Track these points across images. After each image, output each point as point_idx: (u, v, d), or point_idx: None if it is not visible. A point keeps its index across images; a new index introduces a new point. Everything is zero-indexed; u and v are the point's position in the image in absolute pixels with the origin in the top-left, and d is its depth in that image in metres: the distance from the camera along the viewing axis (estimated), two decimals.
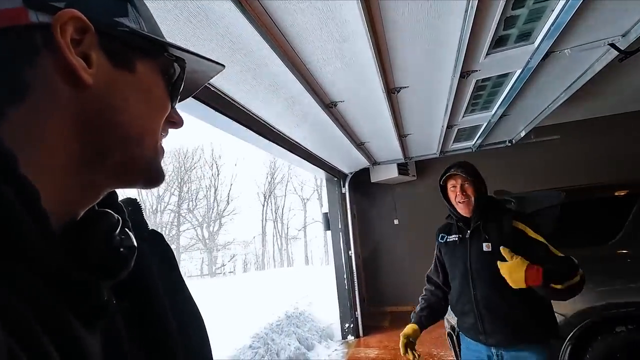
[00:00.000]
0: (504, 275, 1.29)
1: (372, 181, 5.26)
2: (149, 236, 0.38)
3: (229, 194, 23.37)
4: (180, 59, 0.34)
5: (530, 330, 1.34)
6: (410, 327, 1.54)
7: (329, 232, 4.82)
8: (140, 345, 0.30)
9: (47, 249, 0.21)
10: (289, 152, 3.13)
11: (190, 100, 1.83)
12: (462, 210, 1.46)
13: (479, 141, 4.00)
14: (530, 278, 1.23)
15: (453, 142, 4.03)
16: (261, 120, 2.46)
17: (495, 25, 1.60)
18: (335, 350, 4.10)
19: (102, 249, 0.27)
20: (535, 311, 1.34)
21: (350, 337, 4.36)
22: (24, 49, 0.24)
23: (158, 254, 0.37)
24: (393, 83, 2.16)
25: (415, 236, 5.16)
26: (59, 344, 0.20)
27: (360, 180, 5.18)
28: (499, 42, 1.81)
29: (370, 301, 5.26)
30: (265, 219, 23.80)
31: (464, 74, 2.09)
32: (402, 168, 4.99)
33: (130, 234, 0.30)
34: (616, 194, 2.38)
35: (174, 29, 1.31)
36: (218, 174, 23.53)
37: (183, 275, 0.38)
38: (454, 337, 1.58)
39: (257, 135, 2.47)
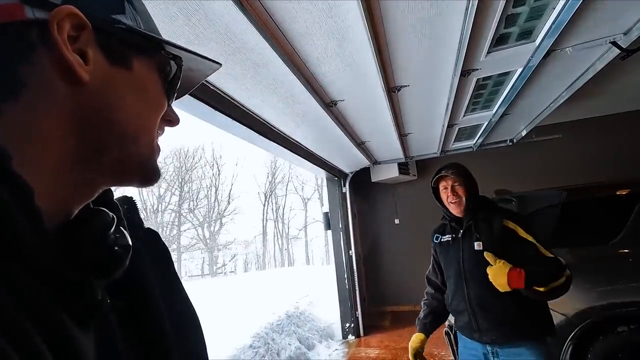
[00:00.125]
0: (491, 280, 1.32)
1: (372, 181, 5.26)
2: (145, 235, 0.38)
3: (229, 193, 23.43)
4: (177, 57, 0.34)
5: (524, 328, 1.36)
6: (417, 338, 1.58)
7: (329, 232, 4.82)
8: (135, 344, 0.30)
9: (41, 247, 0.21)
10: (289, 152, 3.13)
11: (190, 99, 1.84)
12: (454, 210, 1.50)
13: (480, 140, 3.99)
14: (513, 281, 1.26)
15: (454, 142, 4.02)
16: (261, 120, 2.46)
17: (496, 23, 1.60)
18: (336, 350, 4.10)
19: (96, 248, 0.26)
20: (529, 308, 1.35)
21: (351, 337, 4.36)
22: (20, 45, 0.24)
23: (153, 252, 0.37)
24: (393, 82, 2.15)
25: (416, 236, 5.15)
26: (51, 344, 0.19)
27: (361, 180, 5.18)
28: (499, 41, 1.80)
29: (371, 301, 5.27)
30: (266, 219, 23.84)
31: (465, 73, 2.09)
32: (403, 167, 4.99)
33: (125, 232, 0.30)
34: (617, 193, 2.37)
35: (173, 28, 1.31)
36: (219, 174, 23.59)
37: (179, 274, 0.38)
38: (452, 336, 1.61)
39: (257, 134, 2.47)
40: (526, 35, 1.77)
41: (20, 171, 0.21)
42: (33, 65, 0.24)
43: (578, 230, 2.32)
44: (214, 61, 0.37)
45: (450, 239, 1.55)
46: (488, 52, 1.87)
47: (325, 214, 4.88)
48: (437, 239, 1.63)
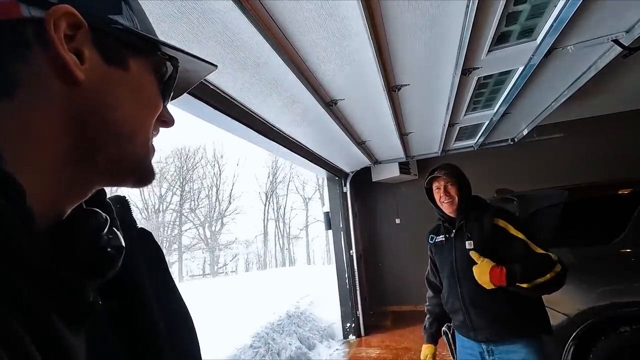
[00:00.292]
0: (476, 278, 1.34)
1: (373, 180, 5.25)
2: (138, 235, 0.38)
3: (230, 193, 23.49)
4: (173, 58, 0.34)
5: (517, 325, 1.37)
6: (427, 350, 1.63)
7: (330, 232, 4.82)
8: (129, 345, 0.30)
9: (32, 247, 0.21)
10: (289, 151, 3.13)
11: (190, 98, 1.83)
12: (447, 210, 1.52)
13: (481, 140, 3.98)
14: (495, 279, 1.29)
15: (455, 141, 4.02)
16: (261, 119, 2.45)
17: (497, 22, 1.59)
18: (337, 349, 4.10)
19: (88, 249, 0.26)
20: (522, 306, 1.36)
21: (352, 337, 4.36)
22: (15, 43, 0.24)
23: (147, 252, 0.37)
24: (394, 81, 2.15)
25: (417, 235, 5.14)
26: (41, 345, 0.19)
27: (362, 179, 5.18)
28: (500, 39, 1.79)
29: (372, 300, 5.26)
30: (267, 219, 23.89)
31: (466, 72, 2.08)
32: (404, 167, 4.99)
33: (118, 233, 0.30)
34: (620, 192, 2.36)
35: (172, 27, 1.31)
36: (220, 174, 23.64)
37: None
38: (449, 335, 1.63)
39: (257, 134, 2.47)
40: (527, 33, 1.76)
41: (12, 170, 0.21)
42: (28, 64, 0.24)
43: (580, 229, 2.31)
44: (209, 63, 0.37)
45: (443, 239, 1.57)
46: (489, 51, 1.87)
47: (326, 213, 4.88)
48: (431, 239, 1.66)
